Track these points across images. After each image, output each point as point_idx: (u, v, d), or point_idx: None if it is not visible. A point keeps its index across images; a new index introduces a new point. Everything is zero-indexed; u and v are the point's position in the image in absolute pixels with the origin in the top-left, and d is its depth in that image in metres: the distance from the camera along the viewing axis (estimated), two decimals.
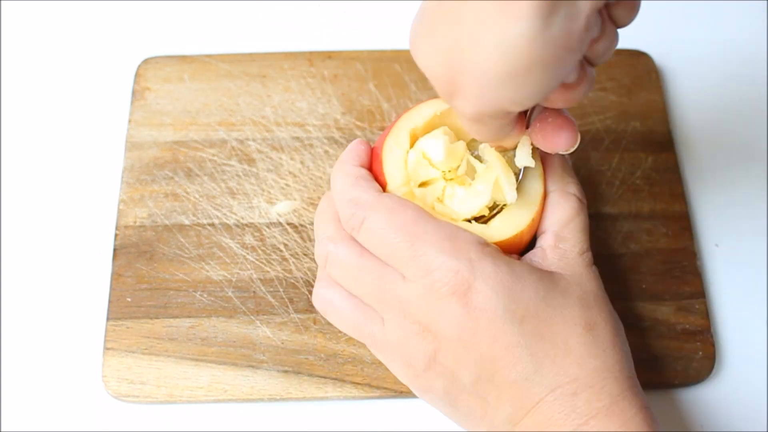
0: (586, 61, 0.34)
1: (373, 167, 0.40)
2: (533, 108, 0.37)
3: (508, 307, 0.35)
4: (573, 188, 0.41)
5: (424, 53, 0.33)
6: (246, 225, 0.49)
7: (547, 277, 0.37)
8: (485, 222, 0.39)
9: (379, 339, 0.38)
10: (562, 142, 0.37)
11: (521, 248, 0.40)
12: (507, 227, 0.39)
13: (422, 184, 0.40)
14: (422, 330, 0.36)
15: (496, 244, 0.38)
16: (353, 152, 0.40)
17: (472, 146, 0.40)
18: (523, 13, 0.28)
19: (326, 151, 0.51)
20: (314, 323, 0.46)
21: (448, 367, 0.37)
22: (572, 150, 0.37)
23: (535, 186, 0.40)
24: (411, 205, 0.37)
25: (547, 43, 0.29)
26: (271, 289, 0.47)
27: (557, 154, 0.41)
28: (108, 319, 0.46)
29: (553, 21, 0.28)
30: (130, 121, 0.52)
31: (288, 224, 0.49)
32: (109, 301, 0.46)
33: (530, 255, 0.40)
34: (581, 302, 0.37)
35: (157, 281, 0.47)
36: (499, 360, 0.35)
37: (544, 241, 0.40)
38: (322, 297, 0.40)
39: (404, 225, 0.36)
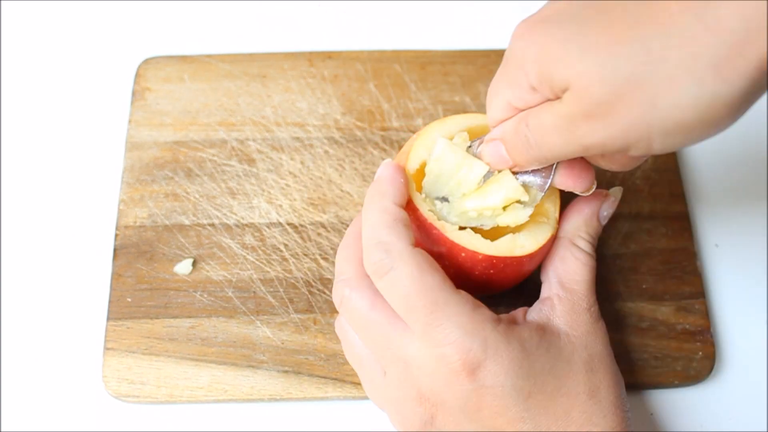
0: None
1: None
2: None
3: (515, 385, 0.35)
4: (583, 243, 0.41)
5: (581, 62, 0.30)
6: (246, 225, 0.49)
7: (554, 345, 0.38)
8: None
9: (380, 387, 0.39)
10: (581, 183, 0.38)
11: (535, 267, 0.41)
12: (530, 242, 0.39)
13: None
14: (419, 396, 0.37)
15: (515, 257, 0.38)
16: (394, 185, 0.38)
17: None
18: (738, 77, 0.28)
19: (326, 151, 0.51)
20: (314, 323, 0.46)
21: (446, 430, 0.37)
22: (587, 193, 0.39)
23: (551, 208, 0.41)
24: (440, 270, 0.36)
25: (741, 109, 0.29)
26: (271, 290, 0.47)
27: (587, 203, 0.42)
28: (108, 319, 0.46)
29: (756, 93, 0.29)
30: (130, 121, 0.52)
31: (288, 224, 0.49)
32: (110, 301, 0.46)
33: (540, 305, 0.40)
34: (586, 367, 0.38)
35: (157, 281, 0.47)
36: None
37: (551, 290, 0.40)
38: (341, 325, 0.41)
39: (429, 289, 0.36)
